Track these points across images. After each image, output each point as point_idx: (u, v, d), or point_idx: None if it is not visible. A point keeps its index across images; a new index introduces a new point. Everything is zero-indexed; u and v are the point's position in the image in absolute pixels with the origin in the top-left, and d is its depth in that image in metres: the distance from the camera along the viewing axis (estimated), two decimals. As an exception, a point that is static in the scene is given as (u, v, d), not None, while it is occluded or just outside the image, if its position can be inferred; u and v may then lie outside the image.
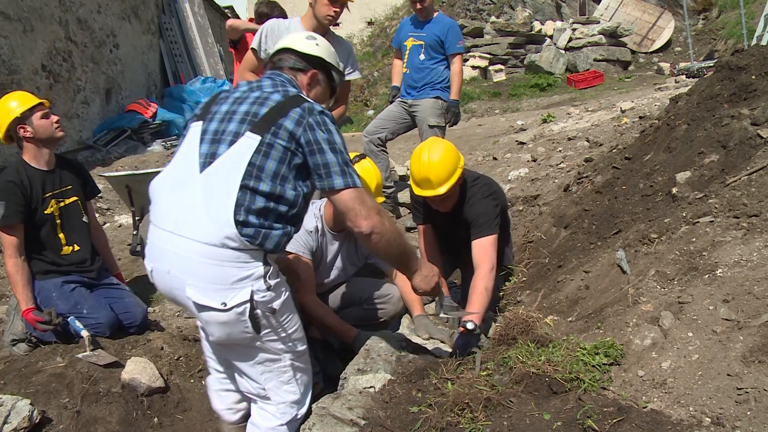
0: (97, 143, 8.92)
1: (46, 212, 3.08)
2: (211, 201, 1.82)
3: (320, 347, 2.95)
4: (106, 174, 4.51)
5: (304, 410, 2.09)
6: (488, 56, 12.80)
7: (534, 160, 5.68)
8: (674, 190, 2.76)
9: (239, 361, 2.02)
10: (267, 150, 1.84)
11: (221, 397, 2.29)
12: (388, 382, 2.09)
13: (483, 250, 2.77)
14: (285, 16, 4.43)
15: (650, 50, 13.72)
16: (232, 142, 1.86)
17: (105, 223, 5.75)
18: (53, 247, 3.12)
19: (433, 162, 2.75)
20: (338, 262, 3.07)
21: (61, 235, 3.15)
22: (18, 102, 3.00)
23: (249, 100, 1.95)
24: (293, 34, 2.28)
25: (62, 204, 3.16)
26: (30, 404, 2.41)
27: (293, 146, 1.87)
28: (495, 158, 6.32)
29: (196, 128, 1.97)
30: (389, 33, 15.49)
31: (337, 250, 3.04)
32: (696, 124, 3.16)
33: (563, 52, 12.90)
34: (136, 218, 4.31)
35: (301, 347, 2.07)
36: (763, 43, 9.54)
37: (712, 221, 2.27)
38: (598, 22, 13.49)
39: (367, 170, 2.94)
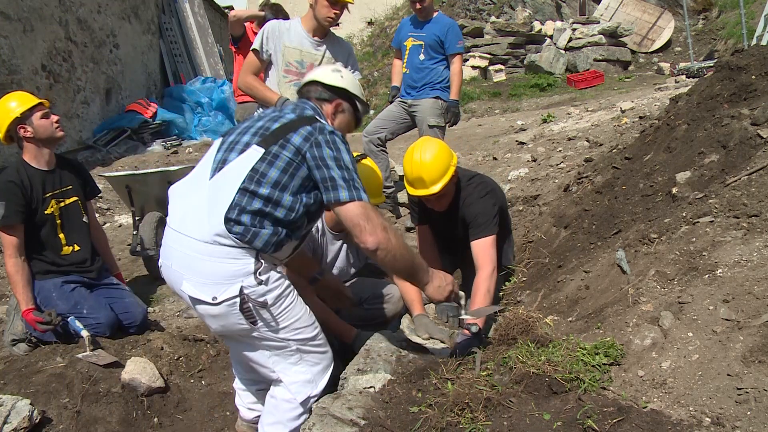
0: (97, 143, 8.93)
1: (46, 212, 3.09)
2: (213, 203, 1.93)
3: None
4: (106, 174, 4.51)
5: (318, 390, 2.15)
6: (488, 56, 12.79)
7: (534, 160, 5.68)
8: (674, 190, 2.76)
9: (247, 351, 2.11)
10: (272, 159, 1.94)
11: (240, 396, 2.48)
12: (388, 382, 2.09)
13: (483, 251, 2.77)
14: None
15: (650, 50, 13.71)
16: (242, 151, 1.98)
17: (105, 223, 5.76)
18: (53, 247, 3.12)
19: (426, 161, 2.76)
20: (338, 262, 3.08)
21: (61, 235, 3.15)
22: (18, 102, 3.01)
23: (266, 118, 2.08)
24: (321, 67, 2.41)
25: (62, 204, 3.16)
26: (30, 404, 2.42)
27: (298, 159, 1.96)
28: (495, 158, 6.32)
29: (218, 141, 2.12)
30: (389, 33, 15.47)
31: (338, 250, 3.05)
32: (696, 124, 3.16)
33: (563, 52, 12.89)
34: (136, 218, 4.32)
35: (309, 333, 2.12)
36: (763, 43, 9.53)
37: (712, 221, 2.27)
38: (598, 22, 13.48)
39: (368, 170, 2.94)
